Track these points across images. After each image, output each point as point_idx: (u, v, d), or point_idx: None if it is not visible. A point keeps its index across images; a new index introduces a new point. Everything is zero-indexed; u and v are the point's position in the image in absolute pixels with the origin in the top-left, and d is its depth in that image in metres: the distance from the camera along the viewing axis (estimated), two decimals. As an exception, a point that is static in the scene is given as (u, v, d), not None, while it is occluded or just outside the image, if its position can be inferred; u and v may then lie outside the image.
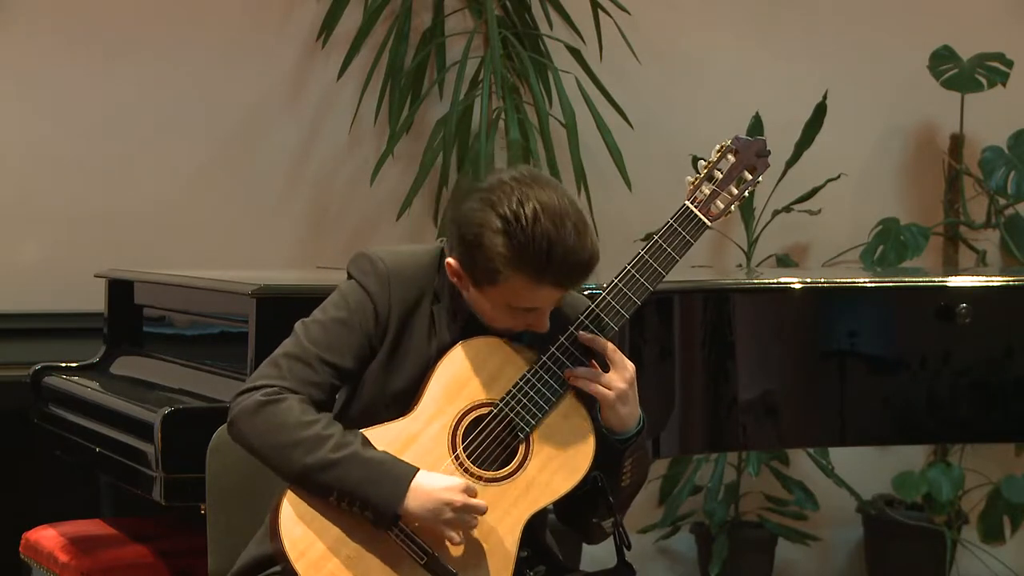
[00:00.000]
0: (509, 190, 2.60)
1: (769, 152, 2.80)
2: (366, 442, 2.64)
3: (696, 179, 2.77)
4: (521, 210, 2.58)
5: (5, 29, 5.08)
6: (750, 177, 2.78)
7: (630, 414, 2.71)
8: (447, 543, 2.63)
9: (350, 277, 2.77)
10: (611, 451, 2.72)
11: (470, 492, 2.62)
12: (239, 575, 2.76)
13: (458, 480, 2.63)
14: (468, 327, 2.74)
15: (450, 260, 2.68)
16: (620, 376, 2.69)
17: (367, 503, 2.60)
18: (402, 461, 2.63)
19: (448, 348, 2.72)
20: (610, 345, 2.71)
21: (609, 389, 2.68)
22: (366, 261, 2.75)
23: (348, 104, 5.31)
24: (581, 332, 2.70)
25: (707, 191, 2.76)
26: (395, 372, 2.73)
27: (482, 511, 2.62)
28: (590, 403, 2.72)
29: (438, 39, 5.32)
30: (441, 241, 2.81)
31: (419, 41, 5.32)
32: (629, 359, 2.73)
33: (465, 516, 2.61)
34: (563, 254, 2.58)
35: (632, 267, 2.73)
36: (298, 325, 2.74)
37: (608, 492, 2.73)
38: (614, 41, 5.31)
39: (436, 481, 2.61)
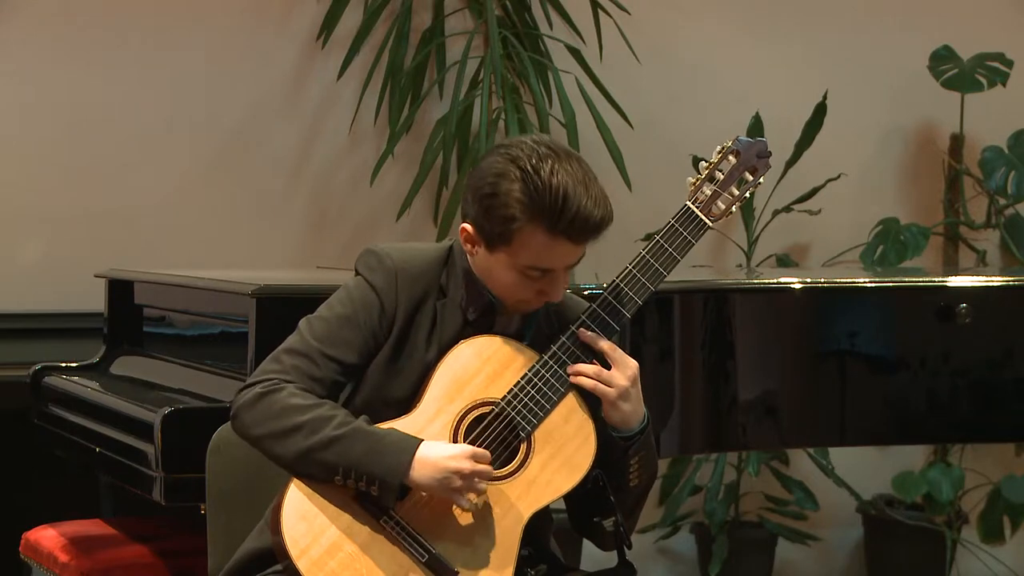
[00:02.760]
0: (528, 147, 2.64)
1: (770, 153, 2.81)
2: (368, 421, 2.65)
3: (697, 180, 2.78)
4: (539, 162, 2.61)
5: (5, 29, 5.08)
6: (751, 178, 2.79)
7: (633, 412, 2.71)
8: (448, 535, 2.63)
9: (358, 274, 2.77)
10: (616, 449, 2.73)
11: (476, 457, 2.62)
12: (238, 569, 2.76)
13: (463, 447, 2.63)
14: (477, 323, 2.74)
15: (465, 224, 2.69)
16: (622, 374, 2.69)
17: (372, 476, 2.59)
18: (405, 433, 2.63)
19: (451, 344, 2.72)
20: (612, 344, 2.71)
21: (611, 387, 2.69)
22: (373, 257, 2.76)
23: (348, 104, 5.31)
24: (582, 330, 2.70)
25: (708, 192, 2.77)
26: (398, 368, 2.73)
27: (489, 475, 2.62)
28: (592, 402, 2.72)
29: (438, 39, 5.32)
30: (451, 240, 2.81)
31: (419, 41, 5.32)
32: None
33: (473, 482, 2.61)
34: (578, 206, 2.60)
35: (634, 267, 2.74)
36: (302, 322, 2.75)
37: (608, 491, 2.73)
38: (614, 41, 5.31)
39: (441, 450, 2.61)
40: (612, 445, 2.72)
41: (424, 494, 2.64)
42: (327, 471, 2.62)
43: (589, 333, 2.70)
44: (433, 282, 2.75)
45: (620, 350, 2.71)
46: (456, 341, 2.73)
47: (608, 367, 2.70)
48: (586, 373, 2.69)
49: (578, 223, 2.61)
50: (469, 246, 2.71)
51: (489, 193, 2.63)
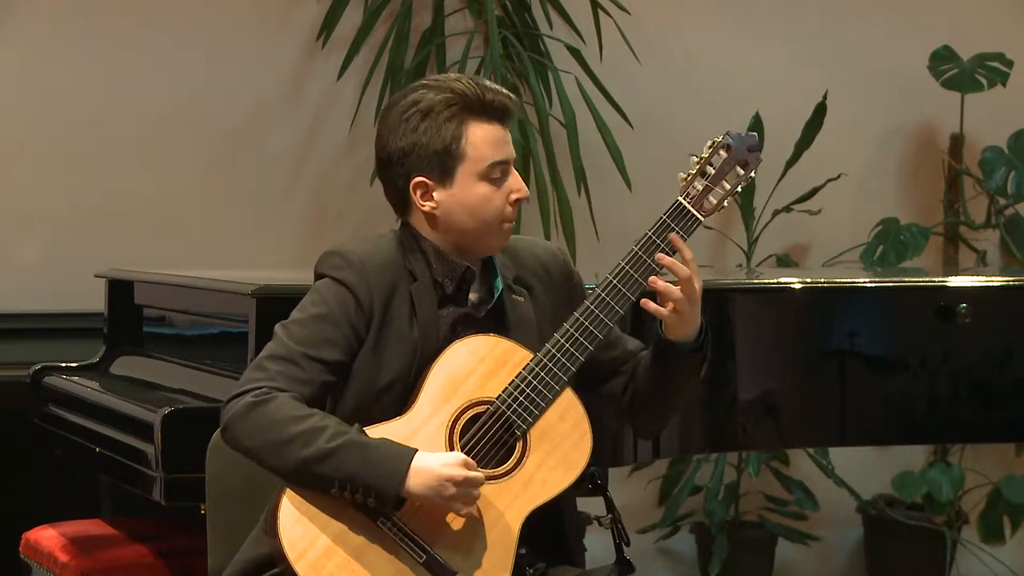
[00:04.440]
0: (419, 82, 2.78)
1: (761, 147, 2.82)
2: (362, 430, 2.65)
3: (688, 175, 2.78)
4: (426, 81, 2.76)
5: (5, 29, 5.08)
6: (742, 172, 2.80)
7: (691, 323, 2.75)
8: (446, 536, 2.64)
9: (320, 276, 2.78)
10: (692, 362, 2.78)
11: (469, 465, 2.63)
12: (235, 577, 2.76)
13: (456, 455, 2.63)
14: (454, 296, 2.76)
15: (416, 180, 2.74)
16: (695, 284, 2.73)
17: (369, 488, 2.60)
18: (399, 444, 2.63)
19: (431, 326, 2.73)
20: (690, 251, 2.74)
21: (685, 293, 2.72)
22: (337, 257, 2.77)
23: (348, 104, 5.31)
24: (673, 236, 2.72)
25: (700, 186, 2.78)
26: (383, 360, 2.73)
27: (481, 482, 2.63)
28: (586, 398, 2.74)
29: (438, 39, 5.32)
30: (389, 231, 2.83)
31: (419, 41, 5.32)
32: None
33: (467, 489, 2.61)
34: (489, 85, 2.75)
35: (625, 263, 2.75)
36: (278, 327, 2.75)
37: (607, 490, 2.74)
38: (614, 41, 5.31)
39: (435, 459, 2.62)
40: (686, 359, 2.77)
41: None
42: (323, 484, 2.62)
43: (679, 238, 2.72)
44: (400, 269, 2.77)
45: (694, 261, 2.74)
46: (435, 321, 2.74)
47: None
48: (660, 287, 2.71)
49: (499, 99, 2.74)
50: (429, 202, 2.75)
51: (420, 120, 2.72)
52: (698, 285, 2.73)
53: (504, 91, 2.76)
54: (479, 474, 2.63)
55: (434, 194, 2.75)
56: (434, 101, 2.71)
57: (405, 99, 2.75)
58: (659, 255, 2.72)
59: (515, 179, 2.77)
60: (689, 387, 2.85)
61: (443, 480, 2.60)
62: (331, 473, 2.60)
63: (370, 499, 2.61)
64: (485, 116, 2.73)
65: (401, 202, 2.81)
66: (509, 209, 2.76)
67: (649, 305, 2.72)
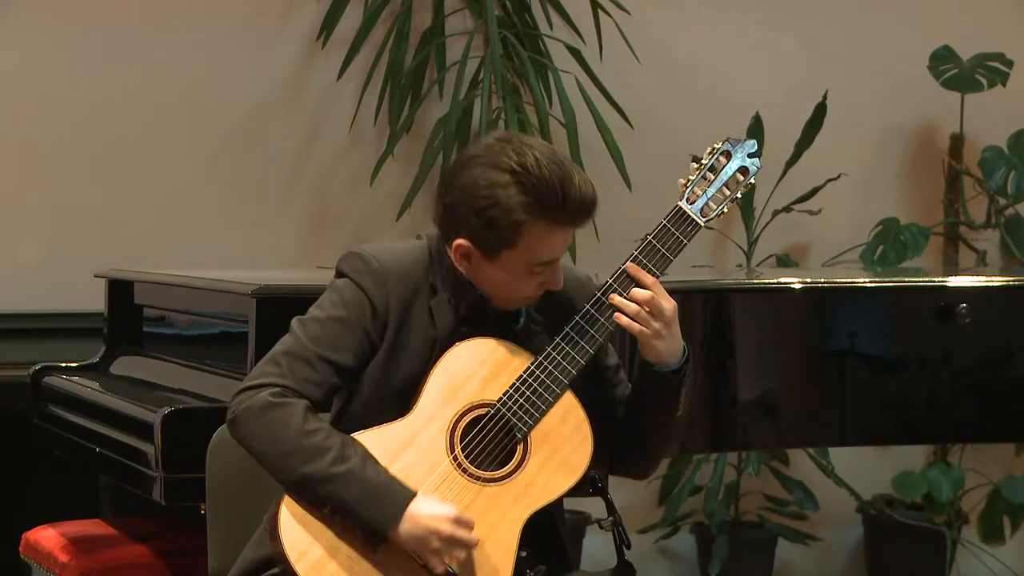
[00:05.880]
0: (501, 148, 2.65)
1: (760, 153, 2.83)
2: (367, 456, 2.63)
3: (688, 180, 2.79)
4: (524, 159, 2.63)
5: (5, 29, 5.08)
6: (742, 178, 2.81)
7: (672, 348, 2.74)
8: None
9: (341, 275, 2.77)
10: (668, 384, 2.76)
11: (462, 522, 2.61)
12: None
13: (450, 511, 2.61)
14: (471, 317, 2.74)
15: (460, 241, 2.68)
16: (663, 311, 2.71)
17: (359, 521, 2.60)
18: (401, 484, 2.62)
19: (448, 341, 2.72)
20: (654, 280, 2.72)
21: (651, 323, 2.70)
22: (359, 260, 2.75)
23: (348, 104, 5.31)
24: (630, 264, 2.72)
25: (699, 192, 2.79)
26: (395, 370, 2.72)
27: (470, 545, 2.61)
28: (586, 401, 2.73)
29: (438, 39, 5.32)
30: (423, 236, 2.81)
31: (419, 41, 5.32)
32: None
33: (450, 548, 2.60)
34: (575, 189, 2.64)
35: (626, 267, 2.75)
36: (295, 322, 2.74)
37: (608, 493, 2.74)
38: (614, 41, 5.31)
39: (429, 508, 2.60)
40: (662, 382, 2.75)
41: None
42: (317, 503, 2.62)
43: (634, 266, 2.72)
44: (422, 280, 2.75)
45: (661, 288, 2.73)
46: (451, 336, 2.73)
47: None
48: (627, 310, 2.70)
49: (582, 206, 2.65)
50: (465, 262, 2.70)
51: (488, 205, 2.63)
52: (667, 305, 2.71)
53: (589, 196, 2.65)
54: (467, 534, 2.60)
55: (472, 258, 2.70)
56: (513, 202, 2.61)
57: (493, 170, 2.63)
58: (617, 313, 2.70)
59: (553, 272, 2.71)
60: (664, 417, 2.80)
61: (429, 532, 2.58)
62: (326, 497, 2.61)
63: (358, 529, 2.61)
64: (557, 222, 2.65)
65: (443, 231, 2.75)
66: (535, 292, 2.73)
67: (621, 319, 2.71)
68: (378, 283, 2.72)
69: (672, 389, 2.77)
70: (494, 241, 2.66)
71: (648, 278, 2.72)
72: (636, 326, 2.71)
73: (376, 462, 2.63)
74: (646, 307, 2.70)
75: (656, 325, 2.71)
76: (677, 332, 2.74)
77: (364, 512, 2.59)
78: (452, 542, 2.59)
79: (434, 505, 2.61)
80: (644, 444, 2.85)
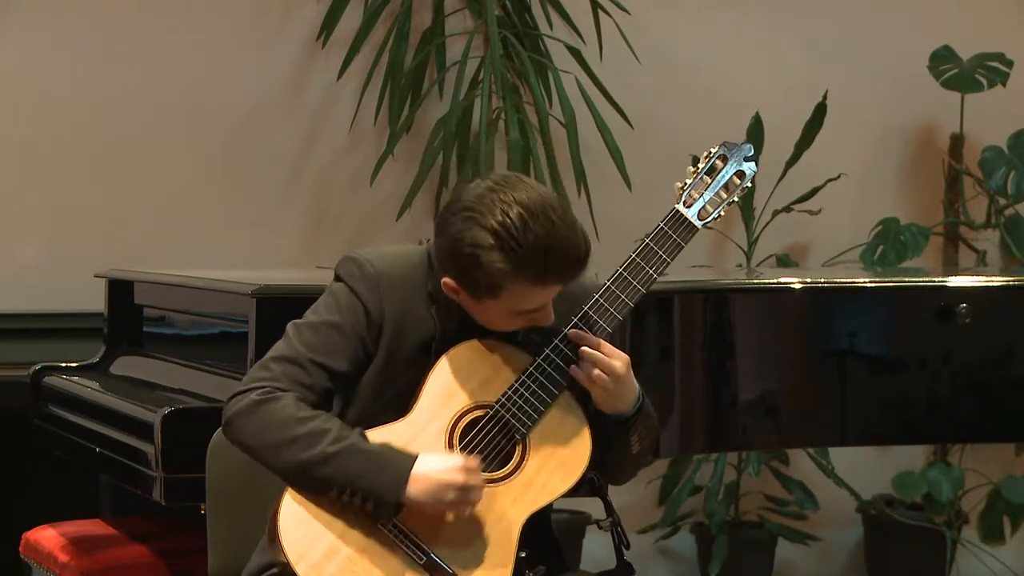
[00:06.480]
0: (490, 202, 2.60)
1: (757, 157, 2.84)
2: (363, 435, 2.65)
3: (685, 183, 2.80)
4: (508, 220, 2.58)
5: (5, 29, 5.08)
6: (739, 182, 2.82)
7: (625, 399, 2.73)
8: (446, 537, 2.64)
9: (338, 279, 2.77)
10: (618, 429, 2.75)
11: (469, 468, 2.62)
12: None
13: (456, 460, 2.63)
14: (469, 323, 2.74)
15: (447, 280, 2.67)
16: (616, 368, 2.70)
17: (368, 494, 2.60)
18: (400, 450, 2.63)
19: (445, 345, 2.72)
20: (599, 340, 2.71)
21: (606, 380, 2.70)
22: (354, 265, 2.75)
23: (348, 104, 5.31)
24: (574, 331, 2.71)
25: (696, 195, 2.80)
26: (392, 376, 2.73)
27: (482, 486, 2.63)
28: (585, 401, 2.73)
29: (438, 39, 5.32)
30: (427, 242, 2.81)
31: (419, 41, 5.32)
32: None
33: (467, 494, 2.62)
34: (559, 253, 2.60)
35: (623, 269, 2.76)
36: (289, 327, 2.75)
37: (606, 493, 2.75)
38: (614, 41, 5.31)
39: (435, 464, 2.61)
40: (612, 428, 2.75)
41: None
42: (322, 486, 2.62)
43: (580, 332, 2.71)
44: (419, 286, 2.75)
45: (609, 345, 2.71)
46: (449, 341, 2.73)
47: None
48: (580, 377, 2.70)
49: (564, 268, 2.62)
50: (453, 295, 2.69)
51: (469, 264, 2.61)
52: (618, 364, 2.70)
53: (576, 255, 2.62)
54: (479, 479, 2.62)
55: (460, 294, 2.69)
56: (495, 267, 2.58)
57: (478, 228, 2.58)
58: (572, 368, 2.69)
59: (543, 312, 2.69)
60: (619, 455, 2.80)
61: (443, 485, 2.60)
62: (331, 476, 2.60)
63: (368, 504, 2.61)
64: (540, 282, 2.63)
65: (436, 261, 2.73)
66: (524, 325, 2.72)
67: (577, 373, 2.70)
68: (372, 288, 2.72)
69: (623, 434, 2.77)
70: (479, 291, 2.65)
71: (592, 339, 2.71)
72: (596, 387, 2.71)
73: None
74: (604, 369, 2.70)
75: (610, 385, 2.71)
76: (631, 383, 2.74)
77: (370, 482, 2.59)
78: (467, 489, 2.61)
79: (439, 459, 2.62)
80: (606, 470, 2.87)
